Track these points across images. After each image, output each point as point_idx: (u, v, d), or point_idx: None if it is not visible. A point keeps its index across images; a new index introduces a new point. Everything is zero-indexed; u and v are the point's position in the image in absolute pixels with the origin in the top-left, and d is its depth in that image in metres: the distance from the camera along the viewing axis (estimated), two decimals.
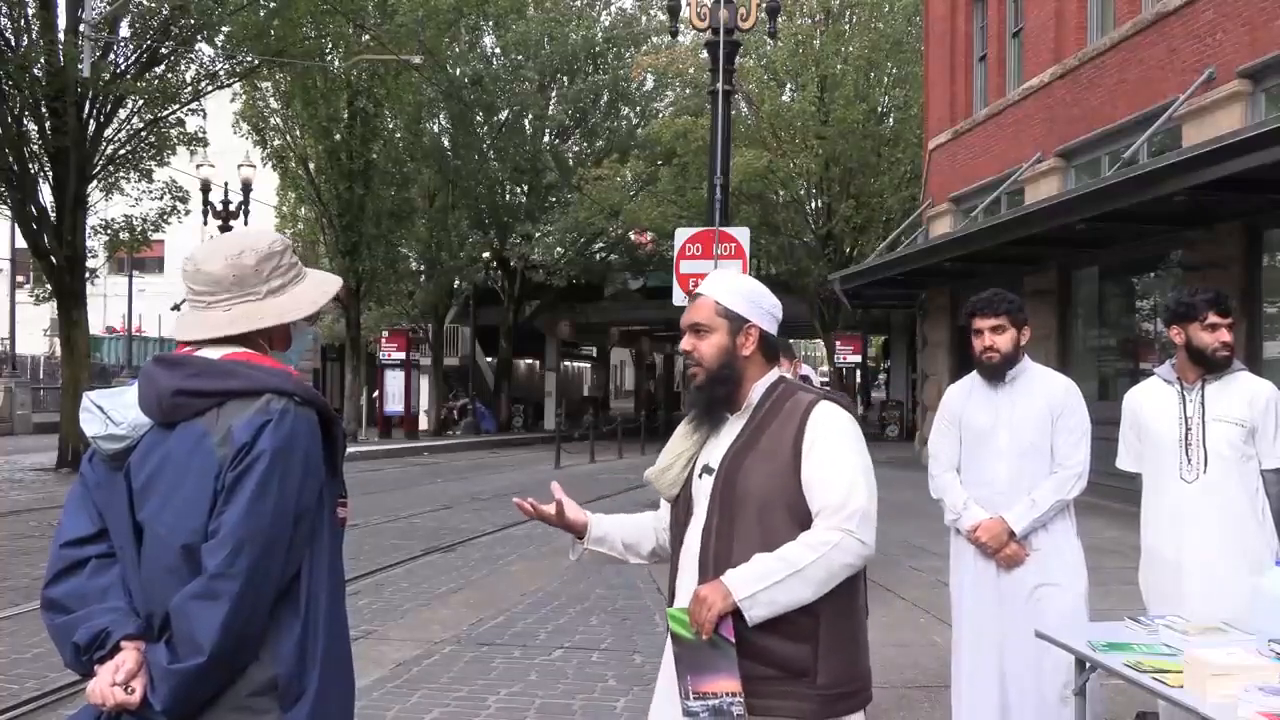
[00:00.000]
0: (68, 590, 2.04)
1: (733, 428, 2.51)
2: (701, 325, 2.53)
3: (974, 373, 4.15)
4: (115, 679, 1.94)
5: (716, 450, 2.51)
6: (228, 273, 2.12)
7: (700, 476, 2.52)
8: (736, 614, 2.31)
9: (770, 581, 2.29)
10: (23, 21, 17.80)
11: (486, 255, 34.44)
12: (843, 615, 2.39)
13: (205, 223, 25.71)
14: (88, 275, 18.95)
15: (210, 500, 1.98)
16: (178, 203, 20.32)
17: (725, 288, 2.57)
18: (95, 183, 18.92)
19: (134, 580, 2.05)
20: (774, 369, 2.56)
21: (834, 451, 2.40)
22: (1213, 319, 3.85)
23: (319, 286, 2.24)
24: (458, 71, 31.47)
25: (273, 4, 20.39)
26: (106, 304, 38.88)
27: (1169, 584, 3.91)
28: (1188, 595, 3.79)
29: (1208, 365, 3.89)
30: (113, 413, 2.08)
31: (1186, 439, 3.90)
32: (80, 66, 16.99)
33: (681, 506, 2.56)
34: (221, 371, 2.07)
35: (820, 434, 2.41)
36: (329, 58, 25.59)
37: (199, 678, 1.94)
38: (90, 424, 2.09)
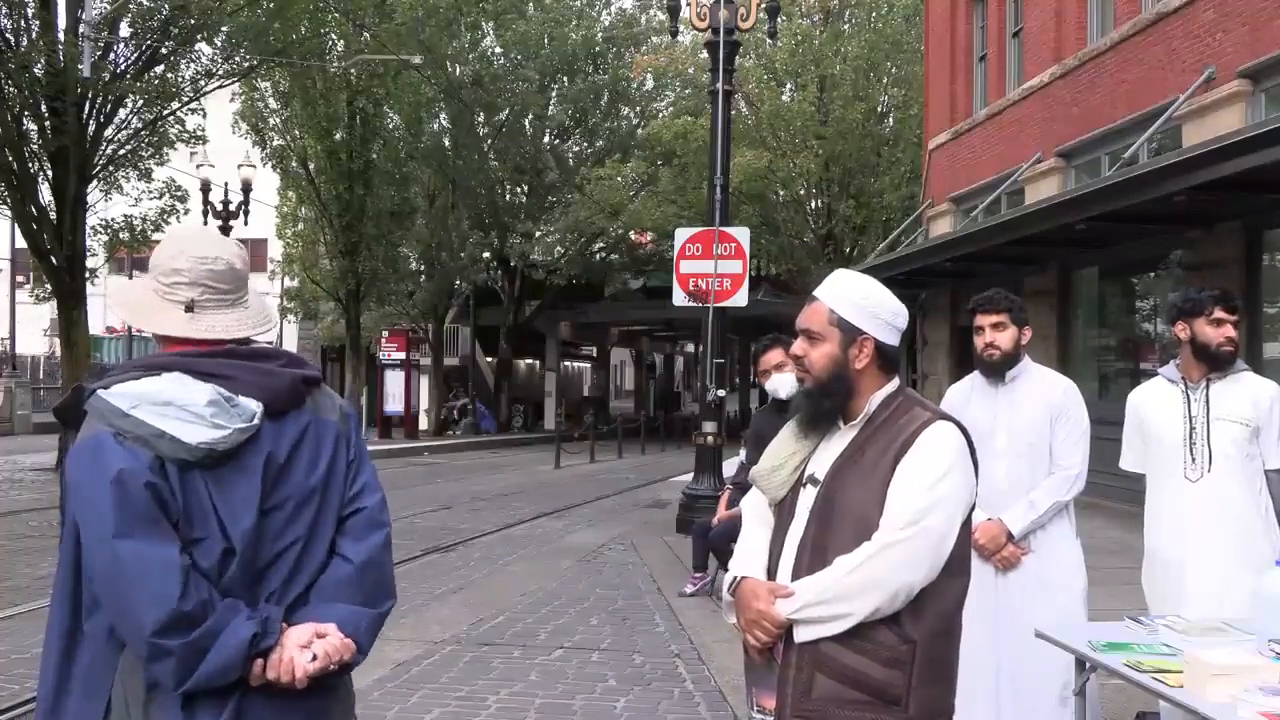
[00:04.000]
0: (197, 601, 1.96)
1: (844, 438, 2.41)
2: (813, 332, 2.41)
3: (974, 373, 4.16)
4: (335, 633, 2.07)
5: (824, 460, 2.41)
6: (246, 268, 2.29)
7: (805, 486, 2.43)
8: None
9: (816, 609, 2.27)
10: (23, 21, 17.79)
11: (486, 255, 34.40)
12: (939, 645, 2.30)
13: (205, 222, 25.72)
14: (88, 275, 18.95)
15: (345, 469, 2.20)
16: (177, 202, 20.32)
17: (842, 294, 2.42)
18: (95, 183, 18.93)
19: (242, 570, 2.04)
20: (894, 379, 2.44)
21: (926, 471, 2.28)
22: (1218, 314, 3.84)
23: None
24: (457, 70, 31.44)
25: (272, 4, 20.39)
26: (106, 304, 38.84)
27: (1172, 584, 3.90)
28: (1191, 595, 3.78)
29: (1212, 362, 3.87)
30: (234, 406, 2.07)
31: (1191, 438, 3.89)
32: (80, 66, 16.99)
33: (785, 511, 2.46)
34: (305, 361, 2.31)
35: (920, 451, 2.29)
36: (328, 57, 25.57)
37: (384, 622, 2.21)
38: (227, 418, 2.04)
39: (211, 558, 2.01)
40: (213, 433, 2.01)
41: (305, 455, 2.14)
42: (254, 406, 2.08)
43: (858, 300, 2.41)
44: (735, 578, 2.46)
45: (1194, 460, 3.88)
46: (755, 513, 2.58)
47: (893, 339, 2.43)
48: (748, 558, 2.49)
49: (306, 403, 2.18)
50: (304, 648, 2.03)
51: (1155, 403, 4.04)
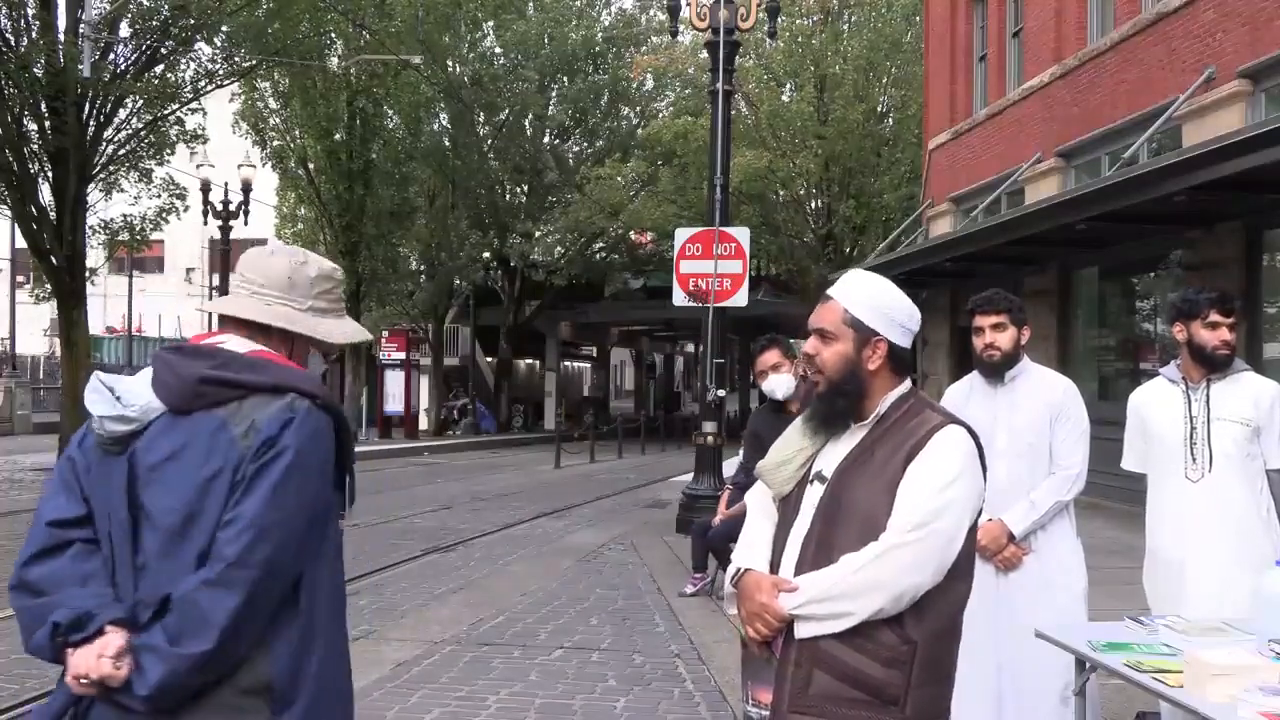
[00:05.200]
0: (47, 573, 2.00)
1: (853, 437, 2.41)
2: (827, 331, 2.41)
3: (974, 373, 4.16)
4: (105, 654, 1.92)
5: (832, 458, 2.41)
6: (284, 273, 2.19)
7: (812, 482, 2.42)
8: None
9: (819, 605, 2.26)
10: (23, 21, 17.81)
11: (486, 255, 34.41)
12: (940, 646, 2.31)
13: (205, 223, 25.75)
14: (88, 275, 18.96)
15: (228, 490, 1.98)
16: (175, 200, 20.32)
17: (858, 295, 2.42)
18: (95, 183, 18.94)
19: (125, 567, 2.02)
20: (905, 381, 2.44)
21: (937, 474, 2.28)
22: (1214, 317, 3.84)
23: (351, 330, 2.33)
24: (457, 70, 31.44)
25: (272, 4, 20.39)
26: (106, 304, 38.88)
27: (1174, 585, 3.89)
28: (1192, 596, 3.78)
29: (1208, 364, 3.88)
30: (124, 395, 2.06)
31: (1191, 438, 3.88)
32: (80, 66, 17.00)
33: (790, 507, 2.45)
34: (249, 364, 2.08)
35: (931, 454, 2.29)
36: (327, 55, 25.57)
37: (198, 666, 1.93)
38: (98, 404, 2.06)
39: (104, 546, 2.04)
40: (107, 410, 2.06)
41: (181, 467, 2.00)
42: (140, 400, 2.05)
43: (873, 302, 2.41)
44: (739, 569, 2.46)
45: (1195, 460, 3.87)
46: (759, 507, 2.58)
47: (905, 341, 2.43)
48: (751, 550, 2.49)
49: (224, 409, 2.02)
50: (109, 651, 1.96)
51: (1156, 403, 4.03)
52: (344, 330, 2.28)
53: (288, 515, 1.97)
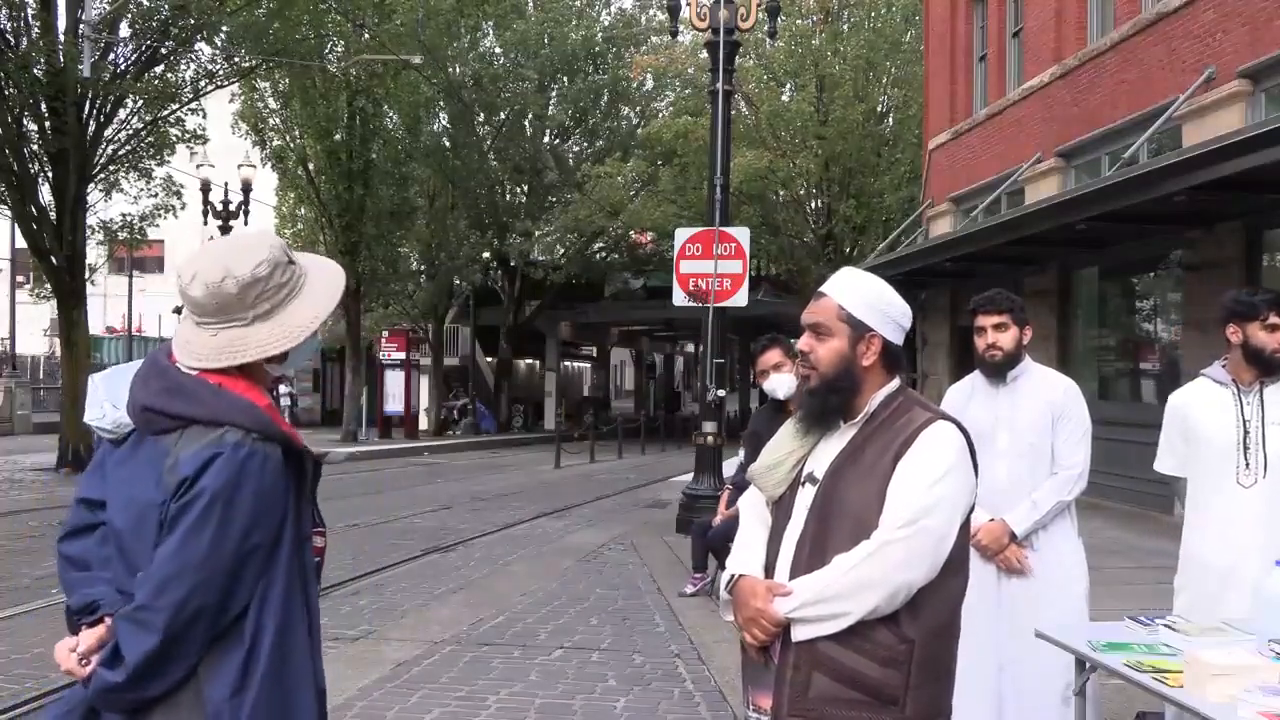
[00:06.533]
0: (79, 549, 2.11)
1: (844, 436, 2.40)
2: (821, 327, 2.40)
3: (975, 373, 4.15)
4: (77, 650, 2.02)
5: (823, 458, 2.41)
6: (210, 300, 2.05)
7: (804, 484, 2.42)
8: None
9: (814, 607, 2.26)
10: (23, 22, 17.81)
11: (486, 255, 34.40)
12: (937, 644, 2.30)
13: (205, 222, 25.75)
14: (88, 275, 18.97)
15: (158, 526, 1.97)
16: (173, 199, 20.32)
17: (852, 291, 2.42)
18: (95, 183, 18.94)
19: (120, 558, 2.09)
20: (895, 378, 2.44)
21: (926, 470, 2.28)
22: (1273, 319, 3.72)
23: (313, 303, 2.14)
24: (457, 70, 31.45)
25: (272, 4, 20.39)
26: (106, 304, 38.85)
27: (1216, 589, 3.77)
28: (1238, 601, 3.65)
29: (1264, 367, 3.76)
30: (118, 404, 2.11)
31: (1245, 442, 3.77)
32: (80, 66, 17.00)
33: (783, 509, 2.45)
34: (189, 394, 2.02)
35: (920, 451, 2.29)
36: (328, 57, 25.57)
37: (110, 691, 1.96)
38: (90, 409, 2.16)
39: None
40: (96, 415, 2.16)
41: (124, 489, 2.05)
42: (121, 415, 2.11)
43: (868, 298, 2.41)
44: (733, 575, 2.45)
45: (1248, 466, 3.75)
46: (753, 511, 2.58)
47: (898, 338, 2.43)
48: (745, 555, 2.49)
49: (169, 437, 2.01)
50: (80, 648, 2.04)
51: (1203, 404, 3.89)
52: (298, 321, 2.10)
53: (202, 559, 1.92)
